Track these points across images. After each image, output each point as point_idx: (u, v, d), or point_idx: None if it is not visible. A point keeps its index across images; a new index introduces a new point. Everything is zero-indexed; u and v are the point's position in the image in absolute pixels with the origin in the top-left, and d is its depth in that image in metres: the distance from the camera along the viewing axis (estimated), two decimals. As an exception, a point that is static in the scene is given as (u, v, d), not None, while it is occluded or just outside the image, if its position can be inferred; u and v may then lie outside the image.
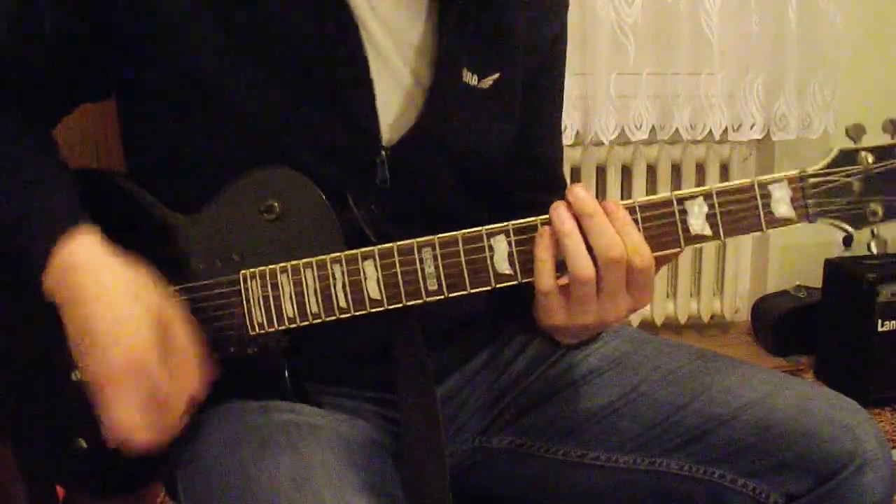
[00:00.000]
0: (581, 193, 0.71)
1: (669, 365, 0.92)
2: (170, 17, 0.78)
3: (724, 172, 2.47)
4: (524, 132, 0.95)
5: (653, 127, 2.32)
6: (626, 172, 2.45)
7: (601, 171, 2.42)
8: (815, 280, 2.41)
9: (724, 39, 2.28)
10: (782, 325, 2.46)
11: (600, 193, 2.45)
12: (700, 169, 2.46)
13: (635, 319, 2.48)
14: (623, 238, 0.70)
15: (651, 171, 2.44)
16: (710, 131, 2.32)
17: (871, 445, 0.82)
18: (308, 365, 0.84)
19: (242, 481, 0.74)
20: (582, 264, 0.70)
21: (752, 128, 2.35)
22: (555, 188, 1.03)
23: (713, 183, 2.39)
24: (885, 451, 0.83)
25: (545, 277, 0.72)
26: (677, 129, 2.31)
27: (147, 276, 0.77)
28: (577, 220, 0.71)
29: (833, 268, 2.30)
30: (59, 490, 1.02)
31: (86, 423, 0.84)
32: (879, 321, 2.16)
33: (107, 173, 0.90)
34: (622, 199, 2.57)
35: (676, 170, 2.45)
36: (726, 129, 2.34)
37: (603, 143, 2.31)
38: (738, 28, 2.29)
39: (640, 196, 2.53)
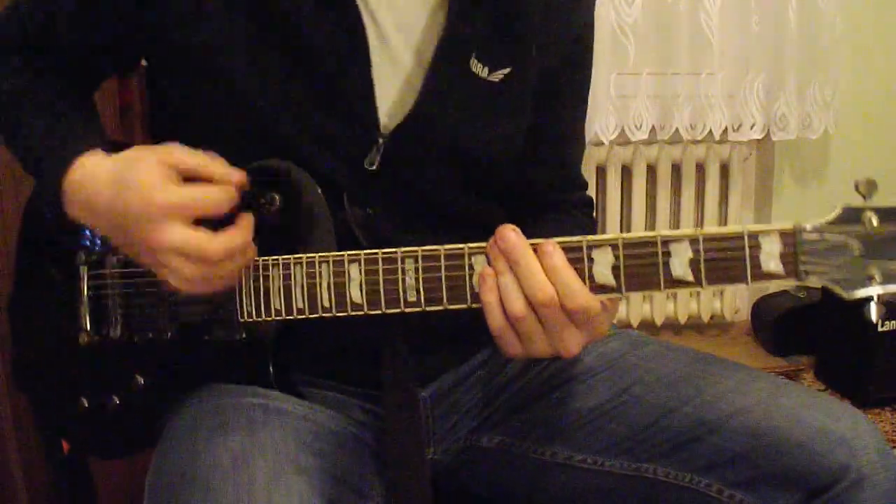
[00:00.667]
0: (508, 237, 0.69)
1: (664, 368, 0.90)
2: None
3: (724, 172, 2.47)
4: (541, 131, 0.93)
5: (653, 127, 2.32)
6: (626, 172, 2.45)
7: (601, 171, 2.42)
8: (816, 280, 2.41)
9: (724, 39, 2.28)
10: (782, 325, 2.46)
11: (600, 193, 2.45)
12: (700, 169, 2.46)
13: (635, 319, 2.48)
14: (553, 280, 0.68)
15: (651, 171, 2.44)
16: (710, 131, 2.32)
17: (868, 459, 0.78)
18: (296, 357, 0.85)
19: (188, 459, 0.75)
20: (511, 305, 0.69)
21: (752, 128, 2.35)
22: (572, 189, 1.02)
23: (713, 183, 2.42)
24: (888, 466, 0.79)
25: (494, 318, 0.70)
26: (677, 129, 2.31)
27: (136, 147, 0.77)
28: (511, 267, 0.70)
29: (833, 268, 2.29)
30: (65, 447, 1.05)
31: (88, 386, 0.90)
32: (879, 321, 2.16)
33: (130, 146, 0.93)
34: (621, 199, 2.56)
35: (676, 170, 2.45)
36: (726, 129, 2.34)
37: (603, 143, 2.30)
38: (738, 28, 2.29)
39: (639, 196, 2.54)
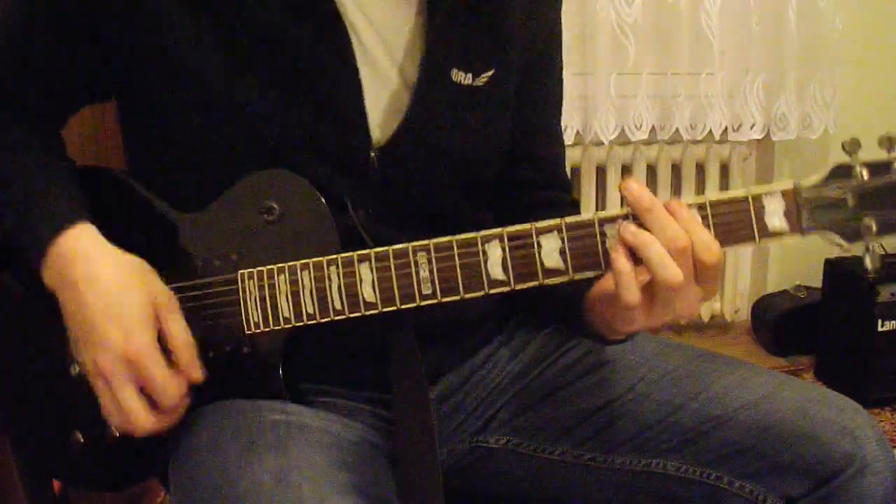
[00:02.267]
0: (634, 188, 0.69)
1: (668, 365, 0.91)
2: (164, 24, 0.79)
3: (724, 172, 2.47)
4: (522, 129, 0.95)
5: (653, 127, 2.32)
6: (627, 172, 2.44)
7: (601, 171, 2.42)
8: (815, 280, 2.41)
9: (724, 39, 2.28)
10: (782, 325, 2.46)
11: (600, 193, 2.45)
12: (700, 169, 2.46)
13: (635, 319, 2.48)
14: (691, 235, 0.68)
15: (651, 171, 2.44)
16: (710, 131, 2.32)
17: (871, 448, 0.81)
18: (304, 365, 0.85)
19: (225, 479, 0.74)
20: (673, 272, 0.68)
21: (752, 128, 2.35)
22: (556, 187, 1.03)
23: (713, 183, 2.42)
24: (887, 455, 0.82)
25: (632, 291, 0.69)
26: (677, 129, 2.31)
27: (142, 267, 0.78)
28: (637, 216, 0.69)
29: (833, 268, 2.30)
30: (56, 485, 1.03)
31: (83, 418, 0.86)
32: (879, 321, 2.16)
33: (111, 171, 0.92)
34: (622, 199, 2.56)
35: (676, 170, 2.45)
36: (726, 129, 2.34)
37: (603, 143, 2.30)
38: (738, 28, 2.29)
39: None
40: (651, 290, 0.70)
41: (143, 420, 0.75)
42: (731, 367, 0.90)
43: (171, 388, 0.76)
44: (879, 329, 2.16)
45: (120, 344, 0.74)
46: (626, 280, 0.69)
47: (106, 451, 0.87)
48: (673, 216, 0.69)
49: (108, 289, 0.76)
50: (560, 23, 0.99)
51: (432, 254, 0.74)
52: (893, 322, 2.16)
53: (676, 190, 2.47)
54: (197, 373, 0.78)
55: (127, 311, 0.75)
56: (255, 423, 0.79)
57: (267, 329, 0.80)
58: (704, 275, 0.70)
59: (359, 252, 0.76)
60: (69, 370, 0.86)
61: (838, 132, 2.39)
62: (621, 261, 0.69)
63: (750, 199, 0.69)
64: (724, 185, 2.48)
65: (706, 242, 0.68)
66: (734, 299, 2.55)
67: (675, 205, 0.69)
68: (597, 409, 0.91)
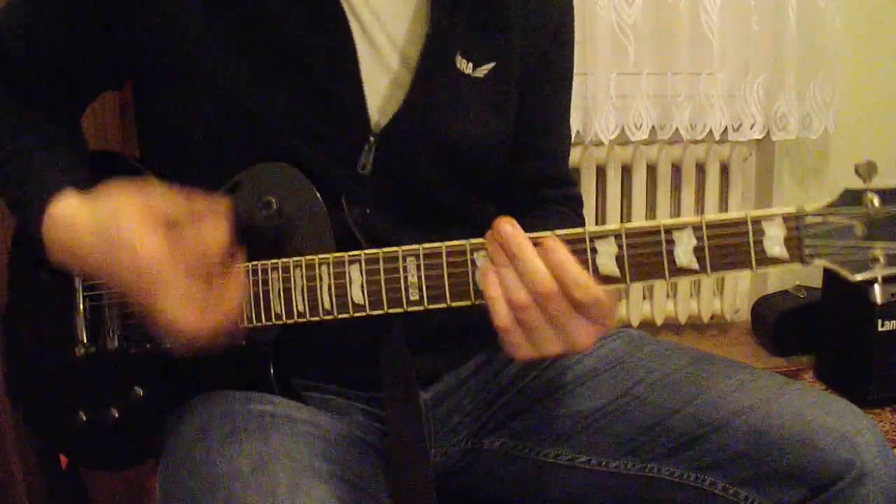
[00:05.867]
0: (503, 230, 0.67)
1: (665, 368, 0.90)
2: (167, 11, 0.79)
3: (724, 172, 2.47)
4: (525, 124, 0.94)
5: (653, 127, 2.32)
6: (626, 172, 2.45)
7: (601, 171, 2.42)
8: (815, 280, 2.41)
9: (724, 39, 2.28)
10: (782, 325, 2.46)
11: (600, 193, 2.45)
12: (700, 169, 2.46)
13: (635, 319, 2.48)
14: (559, 275, 0.66)
15: (651, 171, 2.44)
16: (710, 131, 2.32)
17: (870, 455, 0.79)
18: (297, 363, 0.85)
19: (205, 464, 0.75)
20: (515, 295, 0.67)
21: (752, 128, 2.35)
22: (559, 184, 1.03)
23: (713, 183, 2.42)
24: (888, 462, 0.80)
25: (500, 315, 0.68)
26: (677, 129, 2.31)
27: (124, 191, 0.75)
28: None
29: (833, 268, 2.29)
30: (64, 459, 1.05)
31: (86, 397, 0.89)
32: (879, 321, 2.15)
33: (122, 157, 0.93)
34: (621, 199, 2.55)
35: (676, 170, 2.45)
36: (726, 129, 2.34)
37: (603, 143, 2.30)
38: (738, 28, 2.29)
39: (639, 196, 2.54)
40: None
41: (186, 319, 0.72)
42: (731, 371, 0.88)
43: (210, 267, 0.73)
44: (879, 329, 2.16)
45: (132, 262, 0.71)
46: (494, 305, 0.68)
47: (106, 431, 0.89)
48: (547, 254, 0.66)
49: (101, 234, 0.73)
50: (571, 20, 0.97)
51: (421, 260, 0.73)
52: (893, 322, 2.16)
53: (676, 190, 2.47)
54: (226, 243, 0.75)
55: (127, 236, 0.72)
56: (241, 413, 0.80)
57: (259, 324, 0.80)
58: (586, 312, 0.67)
59: (350, 253, 0.76)
60: (74, 350, 0.87)
61: (838, 132, 2.39)
62: (488, 287, 0.68)
63: (749, 223, 0.64)
64: (724, 184, 2.48)
65: (577, 282, 0.66)
66: (734, 299, 2.55)
67: (550, 243, 0.67)
68: (592, 413, 0.90)
